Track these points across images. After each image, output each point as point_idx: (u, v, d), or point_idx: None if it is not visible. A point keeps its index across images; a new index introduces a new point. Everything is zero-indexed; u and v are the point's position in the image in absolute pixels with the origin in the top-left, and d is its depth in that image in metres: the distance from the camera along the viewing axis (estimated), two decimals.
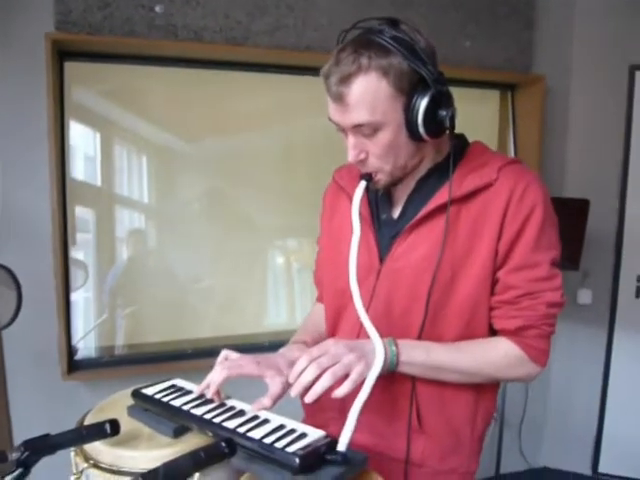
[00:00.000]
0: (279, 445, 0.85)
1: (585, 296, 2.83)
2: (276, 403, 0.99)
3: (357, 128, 0.96)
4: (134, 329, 2.36)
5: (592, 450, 2.96)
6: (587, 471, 2.99)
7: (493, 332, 1.06)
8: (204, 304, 2.43)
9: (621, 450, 2.91)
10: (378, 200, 1.12)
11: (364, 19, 0.99)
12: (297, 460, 0.80)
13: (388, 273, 1.06)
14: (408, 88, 0.93)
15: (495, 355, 1.03)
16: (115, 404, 1.08)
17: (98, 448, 0.92)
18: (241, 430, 0.89)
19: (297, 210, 2.43)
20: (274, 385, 1.00)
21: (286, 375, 0.98)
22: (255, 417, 0.94)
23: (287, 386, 0.98)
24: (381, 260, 1.08)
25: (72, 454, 0.94)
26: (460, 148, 1.07)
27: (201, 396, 1.02)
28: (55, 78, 1.94)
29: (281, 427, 0.91)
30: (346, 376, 0.90)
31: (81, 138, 2.21)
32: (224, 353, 1.05)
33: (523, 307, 1.00)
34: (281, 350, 1.12)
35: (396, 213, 1.10)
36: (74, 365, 2.13)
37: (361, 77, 0.91)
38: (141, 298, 2.36)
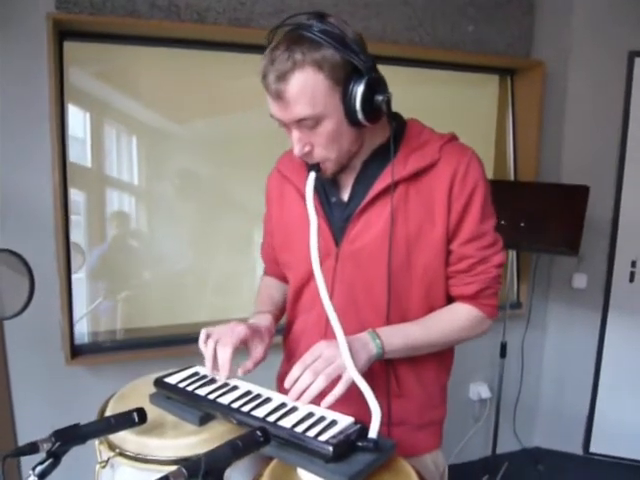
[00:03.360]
0: (311, 434, 0.85)
1: (580, 280, 2.88)
2: (257, 366, 1.10)
3: (300, 122, 0.98)
4: (130, 313, 2.35)
5: (584, 431, 3.04)
6: (579, 451, 3.06)
7: (449, 298, 1.17)
8: (199, 287, 2.42)
9: (612, 431, 2.99)
10: (325, 185, 1.15)
11: (291, 15, 1.00)
12: (331, 449, 0.81)
13: (347, 255, 1.11)
14: (343, 78, 0.96)
15: (459, 321, 1.14)
16: (135, 392, 1.08)
17: (123, 437, 0.93)
18: (271, 419, 0.90)
19: None
20: (256, 351, 1.11)
21: (266, 342, 1.13)
22: (282, 405, 0.95)
23: (266, 352, 1.12)
24: (336, 243, 1.13)
25: (96, 443, 0.95)
26: (399, 128, 1.12)
27: (225, 384, 1.03)
28: (56, 60, 1.90)
29: (310, 415, 0.91)
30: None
31: (72, 119, 2.14)
32: (204, 332, 1.09)
33: (477, 273, 1.11)
34: (250, 320, 1.19)
35: (345, 196, 1.15)
36: (75, 350, 2.11)
37: (297, 73, 0.93)
38: (136, 282, 2.34)
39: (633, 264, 2.80)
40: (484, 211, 1.10)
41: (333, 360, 0.98)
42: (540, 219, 2.31)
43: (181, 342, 2.28)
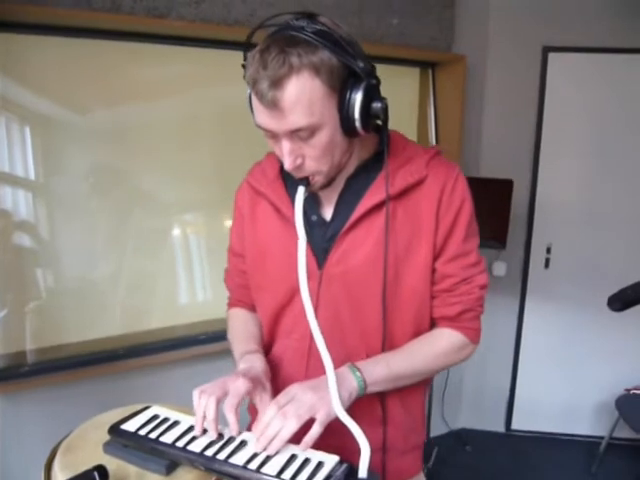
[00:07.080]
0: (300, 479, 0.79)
1: (500, 268, 2.99)
2: None
3: (293, 133, 0.90)
4: (41, 328, 2.11)
5: (505, 410, 3.21)
6: (501, 429, 3.24)
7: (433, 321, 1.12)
8: (115, 294, 2.23)
9: (530, 409, 3.18)
10: (305, 202, 1.03)
11: (274, 15, 0.92)
12: None
13: (332, 278, 1.04)
14: (339, 84, 0.89)
15: (442, 347, 1.09)
16: (84, 441, 0.96)
17: None
18: (253, 466, 0.83)
19: (199, 184, 2.29)
20: (264, 406, 0.97)
21: (268, 389, 1.01)
22: None
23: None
24: (318, 264, 1.05)
25: None
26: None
27: (189, 428, 0.93)
28: None
29: (293, 457, 0.85)
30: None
31: None
32: (197, 392, 0.94)
33: (460, 293, 1.06)
34: (241, 367, 1.06)
35: (328, 214, 1.07)
36: None
37: (294, 78, 0.84)
38: (43, 291, 2.11)
39: (548, 250, 2.96)
40: (469, 229, 1.05)
41: (306, 402, 0.90)
42: None
43: (104, 360, 2.12)
